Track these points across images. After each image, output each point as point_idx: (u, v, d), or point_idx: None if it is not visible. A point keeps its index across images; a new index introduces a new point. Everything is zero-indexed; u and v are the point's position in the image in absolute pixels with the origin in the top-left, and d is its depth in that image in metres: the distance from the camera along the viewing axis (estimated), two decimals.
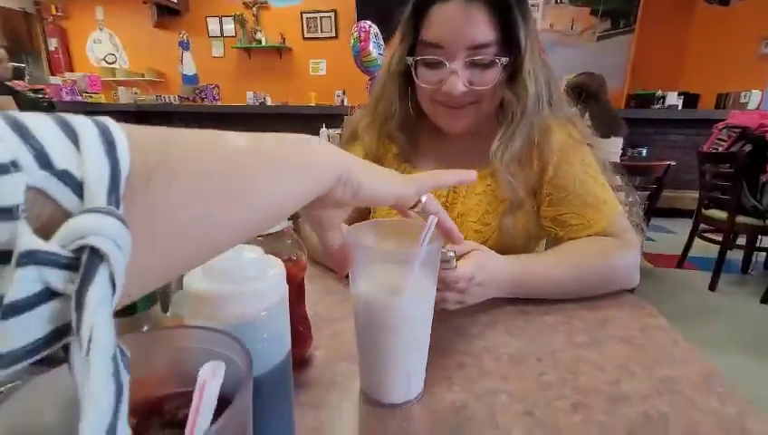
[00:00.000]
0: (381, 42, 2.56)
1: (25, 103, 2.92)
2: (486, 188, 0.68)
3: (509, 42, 0.58)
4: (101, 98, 4.40)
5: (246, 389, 0.16)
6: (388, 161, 0.74)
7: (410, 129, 0.70)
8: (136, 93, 5.02)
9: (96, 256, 0.12)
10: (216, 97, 5.04)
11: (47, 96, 3.12)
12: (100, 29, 5.73)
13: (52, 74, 5.21)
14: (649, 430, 0.36)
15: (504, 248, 0.64)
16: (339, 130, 2.71)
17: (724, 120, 2.48)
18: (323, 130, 2.63)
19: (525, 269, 0.56)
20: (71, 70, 5.49)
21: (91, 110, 4.23)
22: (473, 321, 0.53)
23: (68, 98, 4.00)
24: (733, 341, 1.86)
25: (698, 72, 4.35)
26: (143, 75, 5.65)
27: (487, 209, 0.67)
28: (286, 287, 0.29)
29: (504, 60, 0.58)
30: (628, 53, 4.71)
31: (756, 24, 3.63)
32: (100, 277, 0.12)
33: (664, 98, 3.91)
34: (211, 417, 0.14)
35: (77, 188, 0.13)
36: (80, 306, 0.12)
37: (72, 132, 0.13)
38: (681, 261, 2.66)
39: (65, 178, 0.12)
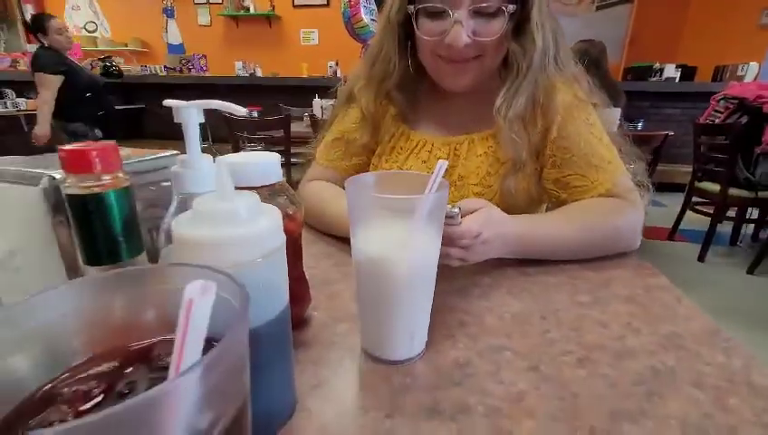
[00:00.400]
0: (373, 6, 2.45)
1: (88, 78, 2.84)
2: (488, 150, 0.65)
3: None
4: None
5: (242, 324, 0.15)
6: (387, 123, 0.71)
7: (409, 88, 0.67)
8: (120, 64, 4.81)
9: None
10: (204, 67, 4.86)
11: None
12: None
13: (29, 42, 4.96)
14: (657, 383, 0.35)
15: (505, 209, 0.62)
16: (332, 102, 2.65)
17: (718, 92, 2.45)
18: (317, 100, 2.55)
19: (531, 228, 0.55)
20: None
21: None
22: (475, 282, 0.52)
23: None
24: (720, 310, 1.90)
25: (696, 43, 4.27)
26: (127, 45, 5.40)
27: (489, 171, 0.65)
28: (284, 236, 0.27)
29: (512, 7, 0.54)
30: (627, 24, 4.60)
31: None
32: None
33: (661, 70, 3.85)
34: (201, 348, 0.12)
35: None
36: None
37: None
38: (672, 233, 2.69)
39: None
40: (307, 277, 0.44)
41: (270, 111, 4.24)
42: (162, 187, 0.39)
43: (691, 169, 2.47)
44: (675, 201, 3.07)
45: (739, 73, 3.51)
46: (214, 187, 0.31)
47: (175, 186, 0.31)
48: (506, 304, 0.47)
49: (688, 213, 2.56)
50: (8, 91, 3.56)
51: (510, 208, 0.63)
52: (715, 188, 2.29)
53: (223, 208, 0.24)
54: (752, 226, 2.60)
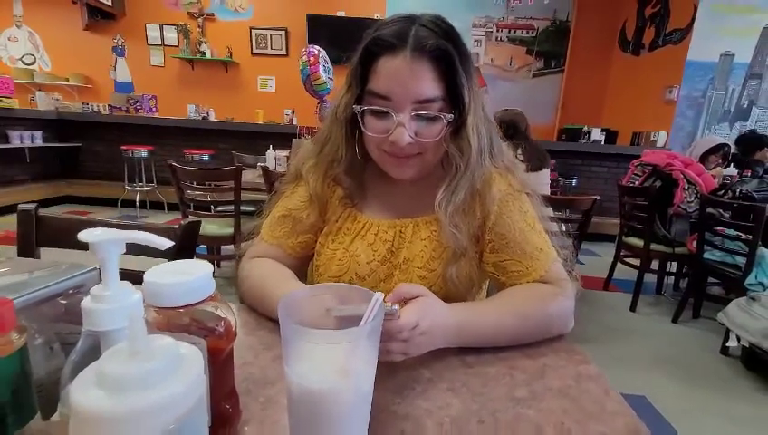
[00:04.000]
0: (330, 66, 2.57)
1: None
2: (432, 234, 0.68)
3: (454, 98, 0.60)
4: (15, 103, 3.93)
5: None
6: (333, 204, 0.71)
7: (357, 172, 0.69)
8: (58, 99, 4.55)
9: None
10: (153, 108, 4.72)
11: None
12: (18, 26, 5.18)
13: None
14: None
15: (447, 295, 0.64)
16: (286, 152, 2.65)
17: (638, 155, 2.78)
18: (270, 151, 2.55)
19: (469, 318, 0.57)
20: None
21: (3, 115, 3.76)
22: (414, 378, 0.51)
23: None
24: (651, 359, 2.03)
25: (617, 111, 4.88)
26: (68, 80, 5.16)
27: (432, 256, 0.67)
28: (204, 385, 0.26)
29: (449, 116, 0.59)
30: (559, 91, 5.18)
31: (662, 73, 4.17)
32: None
33: (589, 133, 4.31)
34: None
35: None
36: None
37: None
38: (606, 283, 2.89)
39: None
40: (240, 381, 0.41)
41: (222, 155, 4.18)
42: (76, 297, 0.36)
43: (619, 223, 2.73)
44: (607, 251, 3.33)
45: (652, 139, 4.02)
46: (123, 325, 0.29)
47: (85, 321, 0.29)
48: (446, 405, 0.47)
49: (619, 264, 2.79)
50: None
51: (451, 293, 0.65)
52: (639, 243, 2.53)
53: (131, 372, 0.22)
54: (671, 277, 2.88)
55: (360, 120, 0.61)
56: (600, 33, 4.94)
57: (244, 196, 2.17)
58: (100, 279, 0.37)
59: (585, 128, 4.41)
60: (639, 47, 4.59)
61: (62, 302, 0.35)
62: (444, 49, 0.57)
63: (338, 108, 0.64)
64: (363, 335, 0.31)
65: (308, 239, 0.72)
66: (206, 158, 4.04)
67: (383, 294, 0.34)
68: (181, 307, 0.34)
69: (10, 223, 3.60)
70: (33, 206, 0.86)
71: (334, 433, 0.33)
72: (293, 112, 4.75)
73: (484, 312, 0.60)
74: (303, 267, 0.76)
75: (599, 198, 1.76)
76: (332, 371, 0.31)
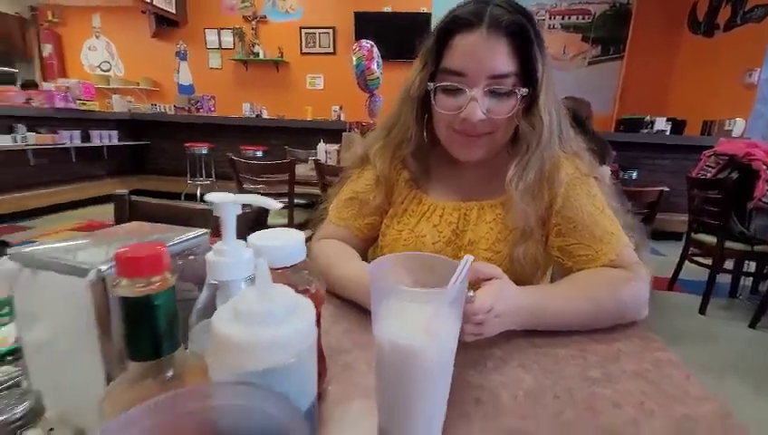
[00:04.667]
0: (380, 60, 2.60)
1: None
2: (497, 217, 0.68)
3: (527, 75, 0.59)
4: (95, 105, 4.35)
5: None
6: (399, 186, 0.74)
7: (423, 155, 0.71)
8: (130, 102, 4.99)
9: None
10: (212, 108, 5.04)
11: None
12: (97, 36, 5.72)
13: (45, 80, 5.15)
14: None
15: (513, 276, 0.64)
16: (337, 146, 2.73)
17: (710, 146, 2.55)
18: (321, 145, 2.63)
19: (541, 301, 0.56)
20: (64, 76, 5.44)
21: (84, 118, 4.18)
22: (486, 355, 0.52)
23: (61, 104, 3.95)
24: (724, 366, 1.87)
25: (685, 98, 4.49)
26: (138, 84, 5.63)
27: (498, 238, 0.67)
28: (316, 331, 0.28)
29: (524, 91, 0.59)
30: (618, 79, 4.86)
31: (740, 55, 3.78)
32: None
33: (653, 123, 4.01)
34: None
35: None
36: None
37: None
38: (671, 283, 2.69)
39: None
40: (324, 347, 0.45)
41: (275, 150, 4.37)
42: (189, 261, 0.41)
43: (686, 219, 2.52)
44: (672, 250, 3.09)
45: (727, 128, 3.67)
46: (245, 274, 0.33)
47: (209, 272, 0.33)
48: (519, 380, 0.48)
49: (687, 263, 2.58)
50: (19, 126, 3.65)
51: (517, 275, 0.65)
52: (712, 240, 2.33)
53: (262, 310, 0.26)
54: (750, 278, 2.61)
55: (432, 98, 0.62)
56: (665, 15, 4.57)
57: (297, 189, 2.27)
58: (209, 242, 0.41)
59: (647, 118, 4.11)
60: (713, 28, 4.19)
61: (179, 262, 0.40)
62: (519, 24, 0.57)
63: (411, 87, 0.66)
64: (451, 295, 0.32)
65: (374, 221, 0.75)
66: (259, 153, 4.24)
67: (473, 258, 0.35)
68: (280, 268, 0.37)
69: (92, 214, 4.01)
70: (126, 192, 0.96)
71: (420, 390, 0.35)
72: (341, 108, 4.86)
73: (556, 295, 0.59)
74: (369, 249, 0.79)
75: (666, 189, 1.65)
76: (421, 329, 0.33)
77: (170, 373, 0.26)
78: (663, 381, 0.49)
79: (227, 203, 0.32)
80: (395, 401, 0.36)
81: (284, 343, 0.26)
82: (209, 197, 0.32)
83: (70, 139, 4.04)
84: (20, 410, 0.27)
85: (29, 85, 4.32)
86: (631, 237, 0.65)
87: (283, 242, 0.38)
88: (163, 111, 4.93)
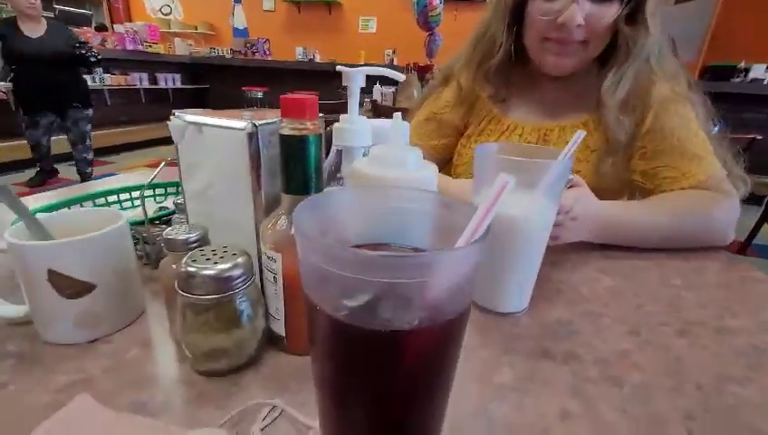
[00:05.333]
0: None
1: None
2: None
3: None
4: (160, 48, 4.53)
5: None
6: (478, 106, 0.74)
7: (507, 72, 0.70)
8: (191, 45, 5.12)
9: None
10: (267, 52, 5.06)
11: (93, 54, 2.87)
12: None
13: (112, 23, 5.39)
14: (760, 358, 0.36)
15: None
16: (392, 88, 2.69)
17: None
18: (377, 86, 2.60)
19: (620, 212, 0.56)
20: (129, 19, 5.65)
21: (151, 60, 4.38)
22: (564, 257, 0.54)
23: (131, 47, 4.15)
24: None
25: None
26: (196, 28, 5.73)
27: (578, 157, 0.66)
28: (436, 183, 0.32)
29: None
30: (709, 20, 4.25)
31: None
32: None
33: (747, 70, 3.53)
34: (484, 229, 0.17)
35: None
36: None
37: None
38: (744, 247, 2.50)
39: None
40: None
41: (328, 96, 4.38)
42: None
43: None
44: (749, 215, 2.83)
45: None
46: (367, 142, 0.37)
47: (335, 139, 0.37)
48: (598, 279, 0.50)
49: (765, 227, 2.37)
50: (97, 68, 3.90)
51: (599, 194, 0.64)
52: None
53: (396, 156, 0.29)
54: None
55: (526, 4, 0.61)
56: None
57: None
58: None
59: (741, 64, 3.61)
60: None
61: None
62: None
63: None
64: (559, 169, 0.34)
65: (450, 142, 0.76)
66: (260, 94, 4.24)
67: (585, 133, 0.36)
68: None
69: (164, 153, 4.31)
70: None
71: (517, 258, 0.38)
72: (394, 53, 4.70)
73: (637, 208, 0.59)
74: (442, 171, 0.81)
75: (759, 136, 1.49)
76: (519, 201, 0.36)
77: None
78: (750, 292, 0.49)
79: (355, 72, 0.34)
80: (488, 271, 0.39)
81: (417, 185, 0.29)
82: (340, 68, 0.35)
83: (140, 80, 4.28)
84: (194, 235, 0.33)
85: (101, 28, 4.56)
86: (726, 164, 0.62)
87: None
88: (221, 54, 5.03)
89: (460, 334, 0.19)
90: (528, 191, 0.36)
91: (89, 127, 3.02)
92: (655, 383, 0.33)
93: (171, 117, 0.36)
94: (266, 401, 0.28)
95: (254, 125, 0.32)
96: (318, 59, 4.95)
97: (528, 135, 0.69)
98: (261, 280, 0.33)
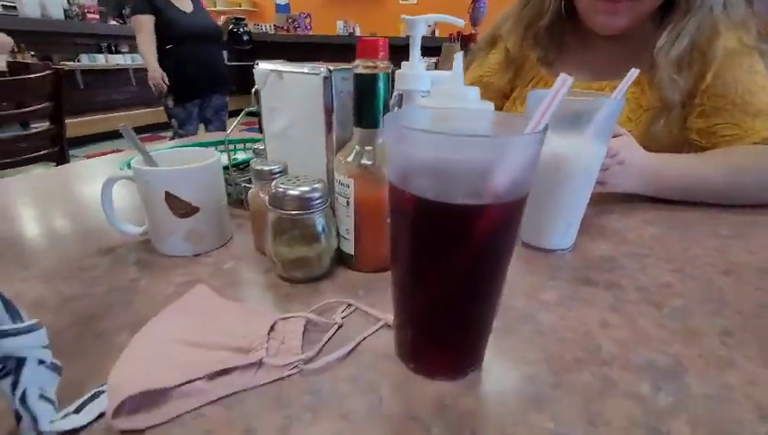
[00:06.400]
0: None
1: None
2: (630, 96, 0.66)
3: None
4: None
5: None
6: (526, 68, 0.74)
7: (557, 31, 0.69)
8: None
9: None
10: (308, 27, 5.09)
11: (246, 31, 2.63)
12: None
13: None
14: None
15: None
16: (434, 59, 2.64)
17: None
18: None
19: (670, 162, 0.56)
20: None
21: None
22: (607, 209, 0.56)
23: None
24: None
25: None
26: (240, 5, 5.84)
27: (629, 117, 0.65)
28: None
29: None
30: None
31: None
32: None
33: None
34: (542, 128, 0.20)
35: None
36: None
37: None
38: None
39: None
40: None
41: None
42: None
43: None
44: None
45: None
46: (426, 87, 0.40)
47: (397, 83, 0.40)
48: (643, 228, 0.51)
49: None
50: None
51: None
52: None
53: (458, 91, 0.33)
54: None
55: None
56: None
57: None
58: None
59: None
60: None
61: None
62: None
63: None
64: (611, 107, 0.36)
65: (495, 105, 0.77)
66: None
67: (638, 71, 0.37)
68: None
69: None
70: None
71: (570, 196, 0.41)
72: (435, 24, 4.57)
73: (690, 160, 0.58)
74: None
75: None
76: (572, 138, 0.38)
77: (381, 141, 0.35)
78: None
79: (417, 19, 0.38)
80: (536, 207, 0.42)
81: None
82: (404, 16, 0.38)
83: None
84: (277, 167, 0.39)
85: None
86: None
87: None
88: (264, 30, 5.12)
89: (518, 218, 0.22)
90: (578, 133, 0.38)
91: (226, 118, 2.71)
92: (695, 307, 0.35)
93: (255, 65, 0.41)
94: (342, 299, 0.34)
95: (329, 70, 0.36)
96: (358, 32, 4.92)
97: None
98: (332, 207, 0.38)
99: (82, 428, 0.22)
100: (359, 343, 0.29)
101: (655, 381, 0.27)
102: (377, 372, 0.27)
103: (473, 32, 2.51)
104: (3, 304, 0.18)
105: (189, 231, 0.39)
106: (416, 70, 0.39)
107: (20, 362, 0.20)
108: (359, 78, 0.33)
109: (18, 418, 0.20)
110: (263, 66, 0.41)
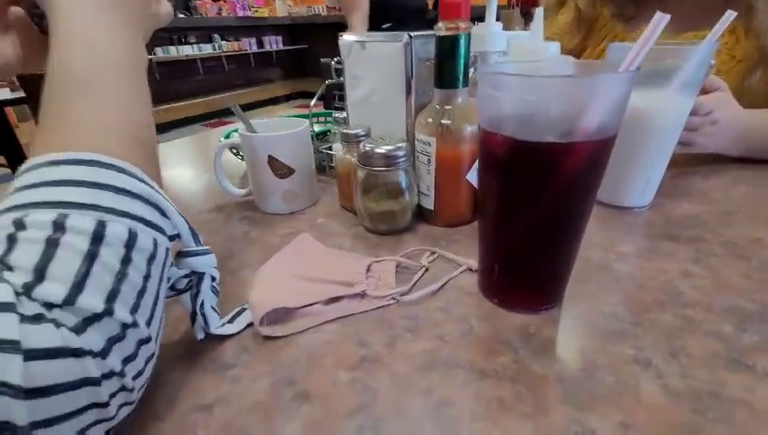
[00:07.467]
0: None
1: None
2: (722, 47, 0.61)
3: None
4: (265, 12, 4.85)
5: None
6: (601, 23, 0.71)
7: None
8: (289, 6, 5.37)
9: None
10: None
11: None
12: None
13: None
14: None
15: None
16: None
17: None
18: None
19: (763, 118, 0.52)
20: None
21: (258, 24, 4.72)
22: (692, 169, 0.53)
23: (240, 13, 4.53)
24: None
25: None
26: None
27: (720, 69, 0.61)
28: None
29: None
30: None
31: None
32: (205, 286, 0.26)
33: None
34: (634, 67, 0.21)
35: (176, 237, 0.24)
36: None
37: (159, 209, 0.22)
38: None
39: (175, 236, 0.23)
40: None
41: None
42: None
43: None
44: None
45: None
46: (502, 47, 0.41)
47: (473, 44, 0.42)
48: (731, 187, 0.48)
49: None
50: (215, 36, 4.36)
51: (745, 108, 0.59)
52: None
53: (539, 45, 0.34)
54: None
55: None
56: None
57: None
58: None
59: None
60: None
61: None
62: None
63: None
64: (703, 53, 0.35)
65: None
66: None
67: (735, 13, 0.36)
68: None
69: (272, 112, 4.75)
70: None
71: (650, 152, 0.40)
72: None
73: None
74: None
75: None
76: (661, 93, 0.37)
77: (460, 101, 0.38)
78: None
79: None
80: (617, 163, 0.42)
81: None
82: None
83: (249, 45, 4.69)
84: (362, 130, 0.43)
85: None
86: None
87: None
88: (317, 12, 5.19)
89: (606, 157, 0.24)
90: (663, 85, 0.37)
91: None
92: None
93: (339, 37, 0.45)
94: (426, 247, 0.37)
95: (410, 36, 0.39)
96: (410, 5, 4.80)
97: None
98: (413, 165, 0.42)
99: (237, 333, 0.28)
100: (446, 283, 0.33)
101: (739, 323, 0.28)
102: (464, 305, 0.31)
103: None
104: (189, 229, 0.24)
105: (286, 191, 0.45)
106: (492, 30, 0.40)
107: (200, 278, 0.25)
108: (440, 39, 0.35)
109: (192, 320, 0.27)
110: (346, 38, 0.44)
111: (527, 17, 2.67)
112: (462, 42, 0.35)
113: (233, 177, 0.58)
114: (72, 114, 0.22)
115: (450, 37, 0.35)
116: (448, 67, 0.36)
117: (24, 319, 0.16)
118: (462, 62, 0.36)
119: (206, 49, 4.33)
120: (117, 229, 0.19)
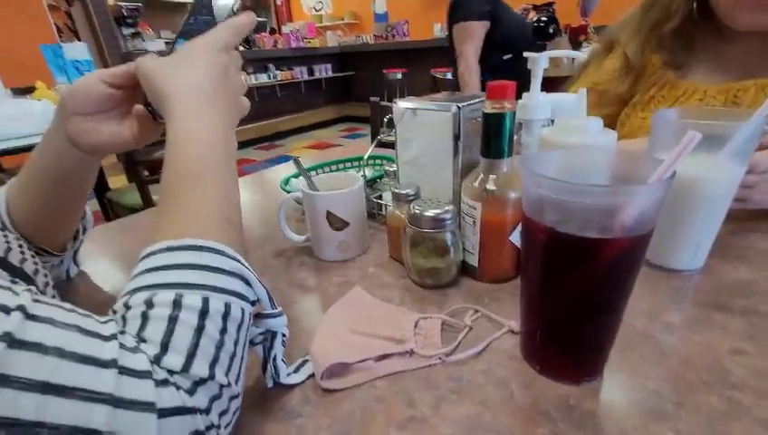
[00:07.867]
0: None
1: None
2: None
3: None
4: (316, 42, 5.15)
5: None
6: (647, 74, 0.70)
7: (688, 31, 0.65)
8: (339, 36, 5.67)
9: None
10: (406, 33, 5.25)
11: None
12: None
13: (278, 24, 6.31)
14: None
15: None
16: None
17: None
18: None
19: None
20: (290, 20, 6.52)
21: (309, 54, 5.02)
22: (745, 225, 0.52)
23: (294, 44, 4.84)
24: None
25: None
26: (343, 18, 6.28)
27: None
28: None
29: None
30: None
31: None
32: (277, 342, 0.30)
33: None
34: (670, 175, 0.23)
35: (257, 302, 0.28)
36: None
37: (245, 280, 0.27)
38: None
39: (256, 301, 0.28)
40: None
41: None
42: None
43: None
44: None
45: None
46: (546, 115, 0.44)
47: (519, 113, 0.45)
48: None
49: None
50: (270, 66, 4.68)
51: None
52: None
53: (578, 124, 0.36)
54: None
55: None
56: None
57: None
58: None
59: None
60: None
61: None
62: None
63: None
64: (750, 128, 0.35)
65: (612, 112, 0.75)
66: (449, 75, 4.29)
67: None
68: None
69: (318, 135, 4.97)
70: (377, 99, 1.22)
71: (701, 218, 0.40)
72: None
73: None
74: None
75: None
76: (712, 160, 0.38)
77: (505, 169, 0.40)
78: None
79: (541, 57, 0.42)
80: (667, 227, 0.42)
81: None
82: (528, 54, 0.43)
83: (300, 74, 4.98)
84: (412, 190, 0.46)
85: (272, 31, 5.40)
86: None
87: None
88: (365, 41, 5.43)
89: (643, 250, 0.26)
90: (713, 152, 0.38)
91: None
92: None
93: (393, 104, 0.50)
94: (470, 305, 0.40)
95: (458, 107, 0.43)
96: (527, 35, 4.90)
97: (711, 98, 0.64)
98: (459, 225, 0.44)
99: (301, 383, 0.32)
100: (489, 344, 0.35)
101: None
102: (507, 370, 0.33)
103: (583, 22, 2.34)
104: (267, 295, 0.29)
105: (341, 242, 0.49)
106: (536, 101, 0.43)
107: (273, 335, 0.30)
108: (487, 117, 0.39)
109: (264, 369, 0.31)
110: (401, 104, 0.49)
111: (577, 44, 2.65)
112: (507, 119, 0.38)
113: (290, 219, 0.64)
114: (182, 206, 0.28)
115: (497, 115, 0.38)
116: (494, 141, 0.39)
117: (158, 383, 0.20)
118: (507, 136, 0.39)
119: (262, 78, 4.65)
120: (216, 305, 0.24)
